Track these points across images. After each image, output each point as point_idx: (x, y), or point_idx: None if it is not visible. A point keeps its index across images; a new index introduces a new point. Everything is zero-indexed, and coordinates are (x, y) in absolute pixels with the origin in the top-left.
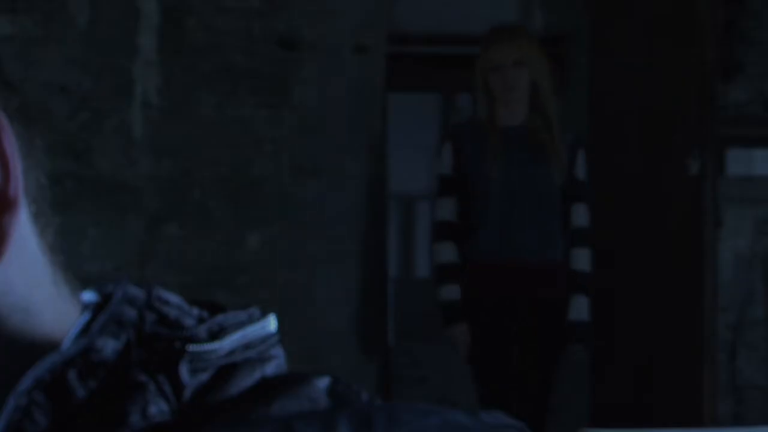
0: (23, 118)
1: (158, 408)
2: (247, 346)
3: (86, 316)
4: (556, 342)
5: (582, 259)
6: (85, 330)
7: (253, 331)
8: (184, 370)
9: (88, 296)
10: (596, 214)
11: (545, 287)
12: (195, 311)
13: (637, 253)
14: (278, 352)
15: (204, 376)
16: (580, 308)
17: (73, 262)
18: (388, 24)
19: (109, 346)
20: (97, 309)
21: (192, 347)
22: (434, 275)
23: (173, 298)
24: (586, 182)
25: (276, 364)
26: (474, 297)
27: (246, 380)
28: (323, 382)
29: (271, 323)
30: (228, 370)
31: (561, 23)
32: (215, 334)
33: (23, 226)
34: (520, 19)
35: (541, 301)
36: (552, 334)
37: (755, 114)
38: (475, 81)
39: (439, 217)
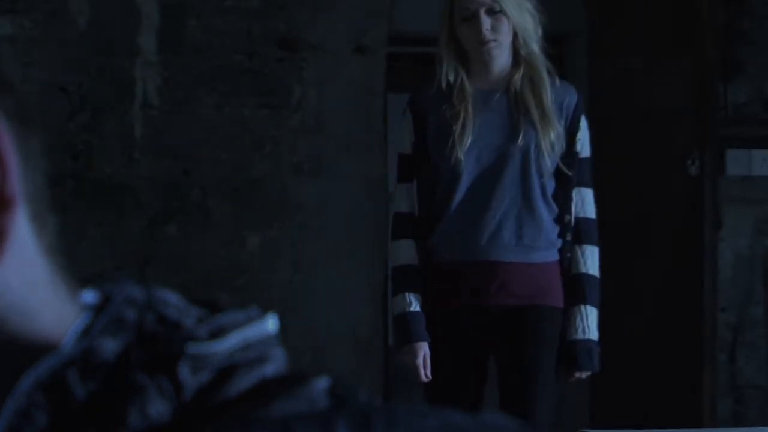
0: (23, 118)
1: (158, 408)
2: (247, 346)
3: (86, 317)
4: (548, 368)
5: (586, 261)
6: (85, 331)
7: (252, 331)
8: (183, 371)
9: (88, 297)
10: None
11: (534, 296)
12: (194, 311)
13: (637, 253)
14: (278, 352)
15: (204, 377)
16: (584, 324)
17: (73, 263)
18: (388, 24)
19: (108, 347)
20: (96, 310)
21: (192, 348)
22: (391, 281)
23: (173, 298)
24: (590, 160)
25: (275, 364)
26: (438, 309)
27: (245, 381)
28: (322, 383)
29: (271, 324)
30: (227, 370)
31: (561, 23)
32: (215, 335)
33: (21, 226)
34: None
35: (529, 314)
36: (543, 358)
37: (755, 114)
38: (442, 38)
39: (395, 208)
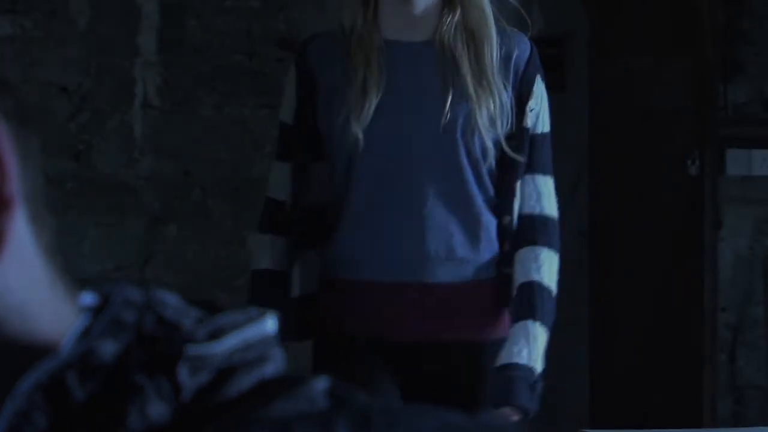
0: (23, 118)
1: (157, 409)
2: (246, 347)
3: (85, 319)
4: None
5: (540, 267)
6: (85, 332)
7: (251, 332)
8: (183, 372)
9: (87, 298)
10: (596, 214)
11: (461, 325)
12: (194, 312)
13: (637, 253)
14: (277, 353)
15: (203, 378)
16: (530, 348)
17: (73, 263)
18: None
19: (108, 348)
20: (95, 311)
21: (191, 349)
22: (248, 290)
23: (172, 299)
24: (549, 137)
25: (275, 365)
26: (331, 345)
27: (245, 381)
28: (322, 383)
29: (270, 324)
30: (227, 371)
31: (561, 23)
32: (214, 335)
33: (21, 226)
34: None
35: (468, 355)
36: (471, 400)
37: (755, 114)
38: None
39: (269, 191)
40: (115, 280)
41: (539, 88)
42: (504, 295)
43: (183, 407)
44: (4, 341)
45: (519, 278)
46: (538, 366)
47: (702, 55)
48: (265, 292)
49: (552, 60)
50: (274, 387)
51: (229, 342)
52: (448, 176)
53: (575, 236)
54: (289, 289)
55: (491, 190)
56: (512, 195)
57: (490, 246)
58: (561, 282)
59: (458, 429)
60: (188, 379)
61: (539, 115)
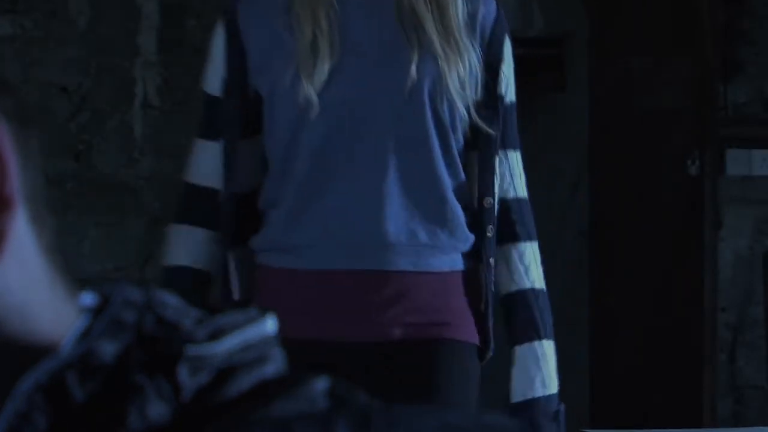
0: (23, 118)
1: (157, 409)
2: (246, 347)
3: (85, 319)
4: None
5: (528, 268)
6: (84, 333)
7: (251, 332)
8: (182, 372)
9: (87, 298)
10: (596, 214)
11: (439, 324)
12: (194, 312)
13: (637, 253)
14: (277, 353)
15: (203, 378)
16: (544, 373)
17: (73, 263)
18: None
19: (108, 348)
20: (95, 311)
21: (191, 349)
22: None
23: (172, 299)
24: (515, 107)
25: (275, 365)
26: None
27: (245, 381)
28: (322, 384)
29: (270, 324)
30: (227, 371)
31: (561, 23)
32: (214, 336)
33: (21, 226)
34: (519, 20)
35: (432, 355)
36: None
37: (755, 114)
38: None
39: (189, 175)
40: (115, 280)
41: (509, 52)
42: (475, 290)
43: (183, 407)
44: (4, 341)
45: (506, 284)
46: (554, 387)
47: (702, 55)
48: (182, 293)
49: (552, 60)
50: (274, 387)
51: (229, 342)
52: (412, 148)
53: (575, 236)
54: (230, 295)
55: (461, 173)
56: (491, 173)
57: (457, 232)
58: (561, 282)
59: (458, 429)
60: (188, 380)
61: (509, 82)
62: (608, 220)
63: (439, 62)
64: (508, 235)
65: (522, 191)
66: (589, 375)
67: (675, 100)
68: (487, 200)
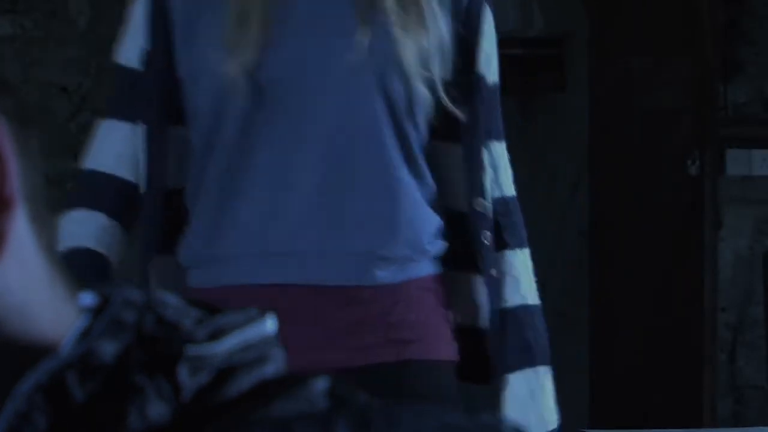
0: (23, 118)
1: (157, 410)
2: (246, 347)
3: (85, 319)
4: None
5: (519, 280)
6: (84, 333)
7: (252, 332)
8: (182, 372)
9: (87, 298)
10: (596, 214)
11: (404, 342)
12: (194, 312)
13: (636, 253)
14: (277, 353)
15: (203, 378)
16: (542, 404)
17: None
18: None
19: (108, 349)
20: (95, 312)
21: (191, 349)
22: None
23: (172, 299)
24: (499, 92)
25: (275, 365)
26: None
27: (245, 381)
28: (322, 383)
29: (270, 324)
30: (227, 371)
31: (561, 23)
32: (214, 336)
33: (21, 226)
34: (519, 19)
35: (397, 378)
36: None
37: (755, 114)
38: None
39: (89, 162)
40: (115, 280)
41: (489, 25)
42: (465, 304)
43: (183, 407)
44: (4, 341)
45: (494, 300)
46: (554, 421)
47: (702, 55)
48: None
49: (552, 60)
50: (274, 387)
51: (229, 342)
52: (358, 137)
53: (575, 236)
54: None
55: (422, 167)
56: (480, 169)
57: (419, 237)
58: (561, 282)
59: (458, 429)
60: (188, 380)
61: (490, 60)
62: (608, 220)
63: (395, 31)
64: (496, 242)
65: (509, 189)
66: (589, 375)
67: (675, 100)
68: (478, 202)
